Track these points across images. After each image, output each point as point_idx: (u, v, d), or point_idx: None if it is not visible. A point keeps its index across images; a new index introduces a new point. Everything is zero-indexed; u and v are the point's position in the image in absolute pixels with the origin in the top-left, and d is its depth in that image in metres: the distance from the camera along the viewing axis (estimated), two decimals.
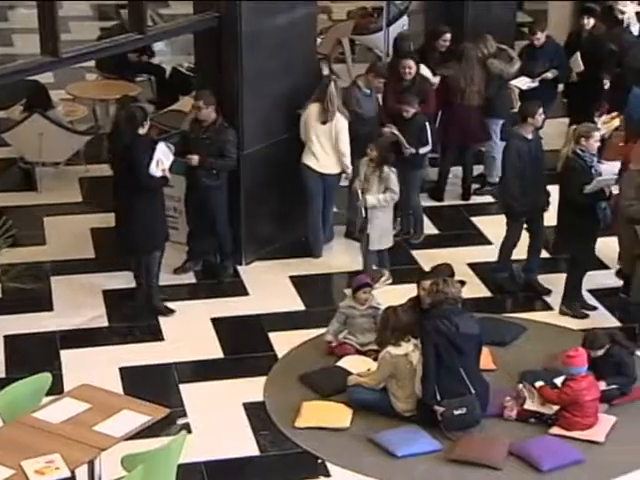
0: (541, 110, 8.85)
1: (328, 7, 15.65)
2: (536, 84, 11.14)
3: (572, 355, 7.18)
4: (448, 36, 10.93)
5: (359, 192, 8.92)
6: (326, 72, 12.36)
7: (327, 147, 9.40)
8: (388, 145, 9.19)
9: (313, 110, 9.40)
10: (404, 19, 14.41)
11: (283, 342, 8.38)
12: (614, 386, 7.43)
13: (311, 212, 9.65)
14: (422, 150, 9.71)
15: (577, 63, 11.38)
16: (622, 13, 12.11)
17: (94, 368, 7.87)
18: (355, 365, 7.86)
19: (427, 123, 9.70)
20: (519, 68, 10.93)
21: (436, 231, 10.25)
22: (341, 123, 9.36)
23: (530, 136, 8.81)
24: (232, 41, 9.06)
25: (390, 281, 9.18)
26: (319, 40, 10.89)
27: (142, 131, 8.39)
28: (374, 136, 9.44)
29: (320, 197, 9.59)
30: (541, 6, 15.82)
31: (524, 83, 11.14)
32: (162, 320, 8.68)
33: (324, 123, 9.33)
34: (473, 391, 7.17)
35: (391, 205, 9.10)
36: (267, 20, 9.21)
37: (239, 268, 9.53)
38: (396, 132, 9.55)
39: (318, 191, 9.56)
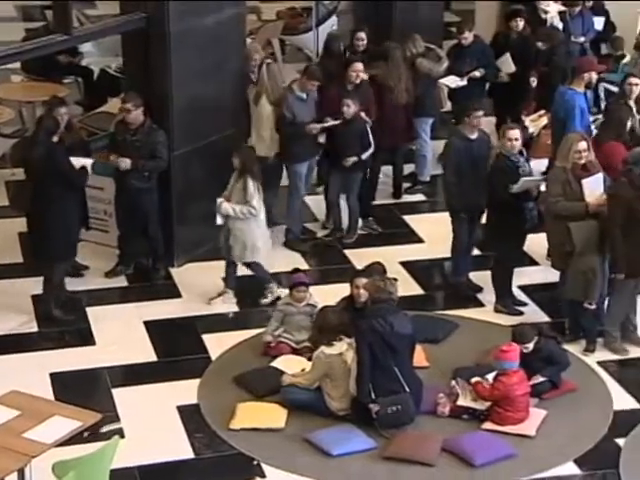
0: (478, 111, 8.87)
1: (257, 7, 15.62)
2: (465, 83, 11.26)
3: (505, 350, 7.26)
4: (362, 35, 10.96)
5: (219, 199, 8.77)
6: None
7: (265, 131, 9.61)
8: (252, 155, 8.91)
9: (251, 94, 9.81)
10: (333, 19, 14.46)
11: (217, 344, 8.34)
12: (543, 379, 7.52)
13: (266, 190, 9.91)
14: (364, 155, 9.70)
15: (508, 64, 11.51)
16: (545, 13, 12.30)
17: (24, 374, 7.75)
18: (289, 365, 7.85)
19: (367, 126, 9.68)
20: (447, 67, 11.02)
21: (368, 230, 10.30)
22: (265, 108, 9.54)
23: (473, 136, 8.85)
24: (160, 42, 9.00)
25: (234, 301, 8.97)
26: (248, 40, 10.83)
27: (56, 139, 8.37)
28: (310, 140, 9.49)
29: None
30: (468, 6, 15.99)
31: (453, 82, 11.25)
32: (94, 324, 8.59)
33: (257, 105, 9.70)
34: (407, 389, 7.21)
35: (258, 220, 8.72)
36: (195, 20, 9.16)
37: (171, 270, 9.47)
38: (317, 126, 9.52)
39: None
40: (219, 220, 8.77)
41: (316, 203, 10.49)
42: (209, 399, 7.64)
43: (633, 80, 9.58)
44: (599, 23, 12.52)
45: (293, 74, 11.00)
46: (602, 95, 10.84)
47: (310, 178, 10.08)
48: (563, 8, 12.45)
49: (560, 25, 12.13)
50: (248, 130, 9.94)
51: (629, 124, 9.25)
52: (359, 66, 9.92)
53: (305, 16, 15.19)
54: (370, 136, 9.69)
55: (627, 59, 11.83)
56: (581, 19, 12.23)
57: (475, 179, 8.72)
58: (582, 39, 12.10)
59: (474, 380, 7.39)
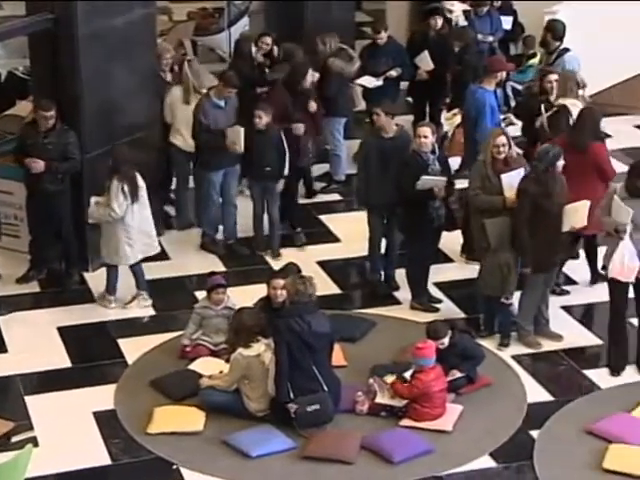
0: (376, 111, 8.89)
1: (168, 8, 15.51)
2: (381, 83, 11.34)
3: (421, 347, 7.32)
4: (267, 40, 10.96)
5: (93, 198, 8.69)
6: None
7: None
8: (123, 155, 8.70)
9: (176, 92, 9.86)
10: (245, 20, 14.43)
11: (133, 348, 8.26)
12: (460, 375, 7.60)
13: (181, 191, 10.12)
14: (286, 171, 9.62)
15: (426, 61, 11.62)
16: (450, 12, 12.46)
17: None
18: (207, 367, 7.80)
19: (282, 133, 9.60)
20: (361, 67, 11.08)
21: (284, 230, 10.27)
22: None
23: (388, 135, 8.89)
24: (68, 43, 8.88)
25: (149, 303, 8.93)
26: (159, 41, 10.76)
27: None
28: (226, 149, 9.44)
29: (188, 176, 9.96)
30: (379, 6, 16.11)
31: (370, 82, 11.32)
32: (5, 331, 8.42)
33: (187, 103, 9.70)
34: (326, 388, 7.22)
35: (125, 223, 8.57)
36: (104, 21, 9.06)
37: (85, 275, 9.34)
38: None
39: (186, 170, 9.91)
40: (90, 219, 8.73)
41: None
42: (126, 404, 7.56)
43: (552, 77, 9.71)
44: (507, 23, 12.73)
45: (206, 74, 10.94)
46: (510, 94, 11.02)
47: (233, 186, 9.85)
48: (467, 7, 12.63)
49: (465, 24, 12.31)
50: (165, 130, 9.91)
51: (538, 122, 9.42)
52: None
53: (217, 17, 15.15)
54: (285, 145, 9.59)
55: (537, 58, 12.03)
56: (489, 19, 12.41)
57: (385, 177, 8.79)
58: (491, 38, 12.27)
59: (391, 380, 7.43)
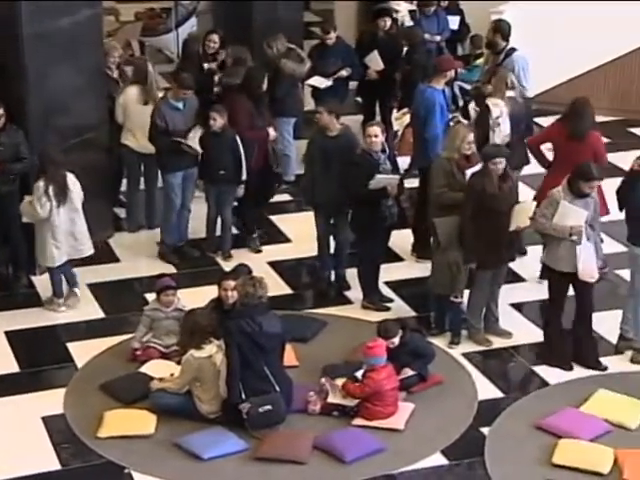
0: (319, 110, 8.91)
1: (115, 8, 15.41)
2: (331, 83, 11.36)
3: (372, 346, 7.34)
4: (214, 37, 10.90)
5: (27, 197, 8.62)
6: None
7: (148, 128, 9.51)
8: (49, 155, 8.59)
9: (132, 92, 9.74)
10: (193, 20, 14.37)
11: (83, 352, 8.19)
12: (412, 373, 7.64)
13: (132, 193, 10.08)
14: (244, 176, 9.56)
15: (376, 61, 11.66)
16: (396, 12, 12.51)
17: None
18: (158, 370, 7.76)
19: (237, 136, 9.54)
20: (310, 67, 11.08)
21: (235, 230, 10.24)
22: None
23: (332, 134, 8.89)
24: (13, 44, 8.78)
25: (78, 295, 8.89)
26: (106, 41, 10.67)
27: None
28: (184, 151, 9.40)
29: (140, 178, 9.92)
30: (327, 6, 16.14)
31: (320, 82, 11.34)
32: None
33: (146, 104, 9.60)
34: (277, 388, 7.22)
35: (51, 224, 8.52)
36: (50, 21, 8.98)
37: (33, 278, 9.23)
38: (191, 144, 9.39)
39: (137, 171, 9.91)
40: (23, 217, 8.70)
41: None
42: (75, 408, 7.50)
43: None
44: (454, 22, 12.81)
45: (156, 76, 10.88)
46: (458, 93, 11.08)
47: (190, 189, 9.74)
48: (413, 7, 12.69)
49: (411, 24, 12.36)
50: (117, 130, 9.85)
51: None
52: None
53: (164, 17, 15.08)
54: (241, 147, 9.54)
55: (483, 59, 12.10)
56: (436, 18, 12.47)
57: (329, 176, 8.80)
58: (438, 38, 12.34)
59: (342, 381, 7.43)
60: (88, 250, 8.87)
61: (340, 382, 7.48)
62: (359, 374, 7.44)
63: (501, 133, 9.25)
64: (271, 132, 9.64)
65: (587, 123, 9.00)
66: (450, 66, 9.81)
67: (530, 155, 9.51)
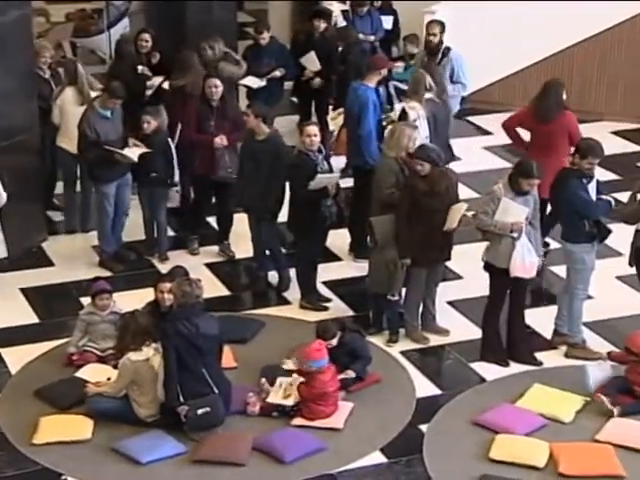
0: (245, 112, 8.90)
1: (45, 9, 15.21)
2: (264, 83, 11.34)
3: (317, 349, 7.35)
4: (146, 36, 10.82)
5: None
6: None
7: None
8: None
9: (68, 94, 9.68)
10: (125, 21, 14.25)
11: (17, 357, 8.07)
12: (353, 375, 7.65)
13: (68, 195, 10.05)
14: (176, 177, 9.48)
15: (312, 61, 11.67)
16: (330, 12, 12.52)
17: None
18: (94, 374, 7.69)
19: (169, 139, 9.51)
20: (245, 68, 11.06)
21: (172, 233, 10.19)
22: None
23: (260, 137, 8.89)
24: None
25: None
26: (37, 42, 10.53)
27: None
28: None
29: (76, 180, 9.93)
30: (261, 6, 16.11)
31: (254, 82, 11.32)
32: None
33: (82, 105, 9.51)
34: (216, 390, 7.18)
35: None
36: None
37: None
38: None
39: (73, 174, 9.89)
40: None
41: None
42: (9, 415, 7.39)
43: None
44: (388, 22, 12.87)
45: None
46: (394, 93, 11.16)
47: (126, 196, 9.60)
48: (346, 7, 12.74)
49: (344, 24, 12.41)
50: (51, 132, 9.75)
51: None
52: (215, 81, 9.44)
53: (96, 18, 14.93)
54: (173, 150, 9.49)
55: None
56: (370, 19, 12.53)
57: (259, 179, 8.80)
58: (372, 38, 12.39)
59: (296, 383, 7.43)
60: (1, 253, 8.73)
61: (280, 382, 7.47)
62: (289, 380, 7.40)
63: (419, 135, 9.32)
64: (217, 140, 9.45)
65: (553, 105, 9.14)
66: (383, 64, 9.85)
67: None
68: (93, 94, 9.78)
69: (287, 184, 8.82)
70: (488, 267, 8.00)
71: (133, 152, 9.24)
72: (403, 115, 9.43)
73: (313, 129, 8.59)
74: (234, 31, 12.36)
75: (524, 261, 7.78)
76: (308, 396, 7.30)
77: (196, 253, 9.80)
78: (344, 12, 12.53)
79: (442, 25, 11.13)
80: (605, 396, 7.40)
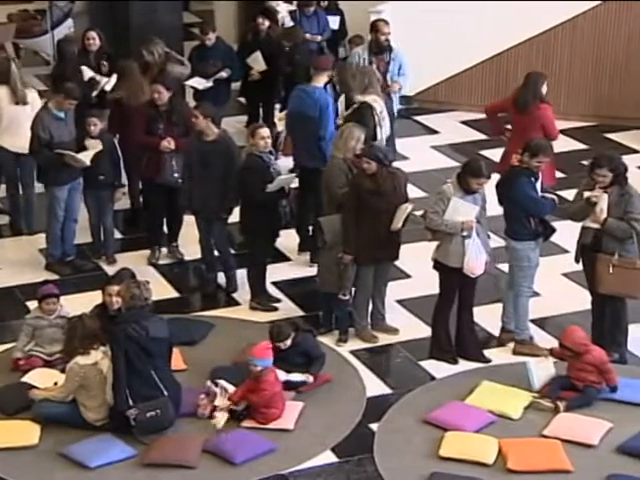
0: (197, 113, 8.83)
1: None
2: (211, 84, 11.30)
3: (265, 347, 7.34)
4: (92, 34, 10.71)
5: None
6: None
7: (25, 127, 9.25)
8: None
9: (2, 93, 9.58)
10: (69, 22, 14.11)
11: None
12: (303, 377, 7.64)
13: (10, 193, 9.95)
14: (122, 179, 9.42)
15: (258, 62, 11.66)
16: (276, 12, 12.53)
17: None
18: (41, 379, 7.61)
19: (115, 141, 9.45)
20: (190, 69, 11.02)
21: (119, 235, 10.10)
22: (37, 102, 9.47)
23: (209, 138, 8.85)
24: None
25: None
26: None
27: None
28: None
29: (17, 179, 9.85)
30: (206, 6, 16.06)
31: (200, 83, 11.27)
32: None
33: (17, 104, 9.47)
34: (165, 393, 7.14)
35: None
36: None
37: None
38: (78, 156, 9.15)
39: (14, 173, 9.80)
40: None
41: None
42: None
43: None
44: (334, 22, 12.90)
45: (30, 78, 10.67)
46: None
47: (76, 201, 9.48)
48: (293, 7, 12.75)
49: (291, 24, 12.41)
50: None
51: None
52: (158, 87, 9.36)
53: (39, 19, 14.77)
54: (119, 153, 9.44)
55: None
56: (316, 18, 12.55)
57: (208, 181, 8.76)
58: (319, 38, 12.41)
59: (231, 389, 7.41)
60: None
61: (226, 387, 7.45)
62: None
63: (384, 129, 9.38)
64: (164, 143, 9.38)
65: (530, 96, 9.30)
66: (327, 64, 9.82)
67: None
68: (30, 93, 9.66)
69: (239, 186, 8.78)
70: (438, 266, 8.05)
71: (86, 155, 9.16)
72: (357, 112, 9.43)
73: (266, 131, 8.59)
74: (180, 32, 12.32)
75: (476, 259, 7.84)
76: (260, 402, 7.27)
77: (155, 262, 9.72)
78: (291, 12, 12.53)
79: (389, 24, 11.17)
80: (549, 395, 7.49)
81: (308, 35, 12.15)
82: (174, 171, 9.37)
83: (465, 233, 7.79)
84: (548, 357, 7.77)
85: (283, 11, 12.51)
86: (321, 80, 9.66)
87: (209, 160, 8.80)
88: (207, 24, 12.19)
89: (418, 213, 8.36)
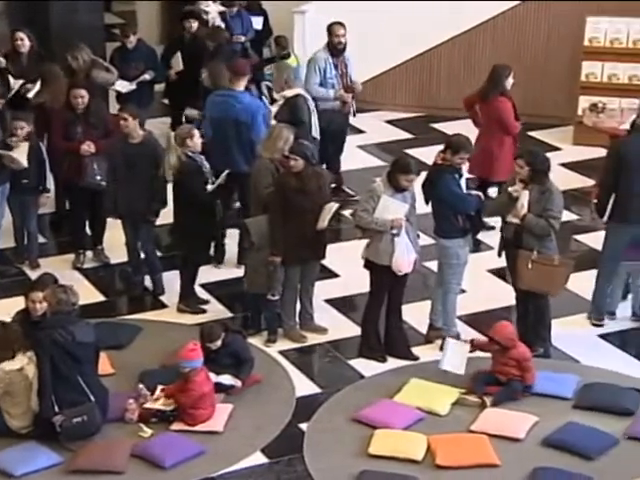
0: (126, 115, 8.77)
1: None
2: (134, 87, 11.21)
3: (192, 349, 7.29)
4: (21, 34, 10.53)
5: None
6: None
7: None
8: None
9: None
10: None
11: None
12: (233, 381, 7.61)
13: None
14: (48, 184, 9.32)
15: (176, 63, 11.63)
16: (206, 13, 12.48)
17: None
18: None
19: (41, 145, 9.30)
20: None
21: (42, 239, 9.94)
22: None
23: (134, 140, 8.80)
24: None
25: None
26: None
27: None
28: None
29: None
30: (129, 7, 15.91)
31: (124, 86, 11.17)
32: None
33: None
34: (92, 398, 7.07)
35: None
36: None
37: None
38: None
39: None
40: None
41: None
42: None
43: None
44: (258, 23, 12.88)
45: None
46: (266, 92, 11.19)
47: (3, 204, 9.35)
48: (223, 8, 12.70)
49: (222, 25, 12.37)
50: None
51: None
52: (80, 92, 9.24)
53: None
54: (45, 156, 9.30)
55: (293, 58, 12.20)
56: (240, 19, 12.52)
57: (133, 183, 8.71)
58: (243, 39, 12.38)
59: (160, 388, 7.36)
60: None
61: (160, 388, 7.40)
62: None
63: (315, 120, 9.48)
64: (84, 147, 9.26)
65: (492, 87, 9.72)
66: (244, 69, 9.73)
67: None
68: None
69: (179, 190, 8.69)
70: (368, 264, 8.08)
71: (22, 156, 9.01)
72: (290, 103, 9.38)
73: (195, 132, 8.55)
74: (101, 33, 12.17)
75: (406, 257, 7.89)
76: (187, 402, 7.23)
77: (80, 266, 9.60)
78: (222, 13, 12.49)
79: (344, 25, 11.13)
80: (475, 391, 7.57)
81: (232, 36, 12.11)
82: (96, 174, 9.26)
83: (395, 231, 7.84)
84: (467, 343, 7.82)
85: (213, 12, 12.46)
86: (241, 84, 9.58)
87: (135, 162, 8.74)
88: (128, 26, 12.09)
89: (347, 212, 8.39)
